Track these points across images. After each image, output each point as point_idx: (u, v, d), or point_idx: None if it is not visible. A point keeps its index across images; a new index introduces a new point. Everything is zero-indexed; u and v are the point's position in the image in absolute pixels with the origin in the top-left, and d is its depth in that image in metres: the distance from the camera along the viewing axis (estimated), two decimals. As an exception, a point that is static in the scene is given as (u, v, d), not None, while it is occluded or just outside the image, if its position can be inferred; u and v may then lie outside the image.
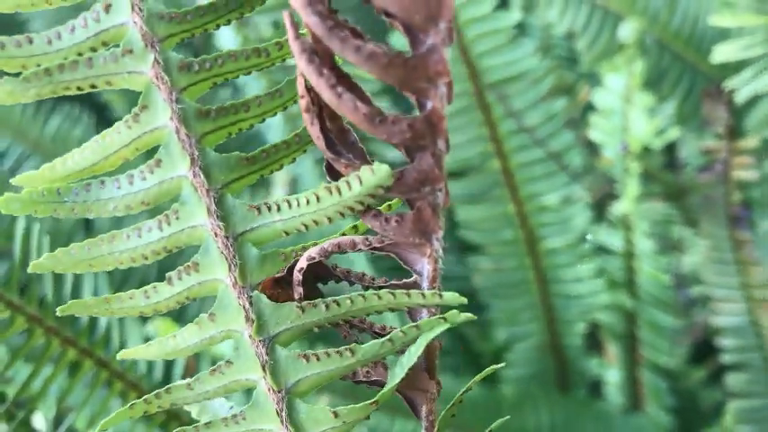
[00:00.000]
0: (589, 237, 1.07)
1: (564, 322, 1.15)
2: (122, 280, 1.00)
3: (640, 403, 1.22)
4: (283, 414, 0.43)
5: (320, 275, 0.46)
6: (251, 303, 0.43)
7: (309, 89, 0.41)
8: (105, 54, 0.41)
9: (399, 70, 0.38)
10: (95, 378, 0.71)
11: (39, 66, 0.41)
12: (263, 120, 0.44)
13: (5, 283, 0.62)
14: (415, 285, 0.44)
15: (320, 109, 0.42)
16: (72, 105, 1.33)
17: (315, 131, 0.41)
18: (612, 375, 1.22)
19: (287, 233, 0.43)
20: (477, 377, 0.44)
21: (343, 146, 0.43)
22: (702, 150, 1.08)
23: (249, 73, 0.43)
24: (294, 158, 0.45)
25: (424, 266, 0.43)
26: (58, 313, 0.44)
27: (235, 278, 0.43)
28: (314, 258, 0.44)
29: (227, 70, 0.43)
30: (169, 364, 0.77)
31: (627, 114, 1.06)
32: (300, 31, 0.40)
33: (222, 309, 0.43)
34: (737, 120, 1.04)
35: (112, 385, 0.72)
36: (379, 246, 0.43)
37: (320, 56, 0.39)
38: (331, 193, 0.41)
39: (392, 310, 0.43)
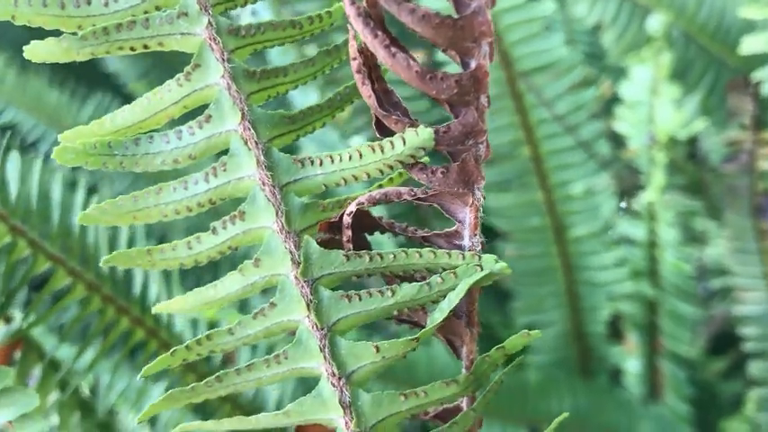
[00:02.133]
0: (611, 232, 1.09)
1: (588, 310, 1.17)
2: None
3: (659, 392, 1.24)
4: (326, 350, 0.45)
5: (367, 225, 0.49)
6: (297, 247, 0.45)
7: (361, 51, 0.44)
8: (161, 15, 0.44)
9: (449, 30, 0.42)
10: (144, 349, 0.73)
11: (94, 26, 0.43)
12: (297, 86, 0.47)
13: (67, 252, 0.65)
14: (457, 234, 0.47)
15: (370, 69, 0.45)
16: (104, 94, 1.36)
17: (366, 91, 0.45)
18: (632, 365, 1.24)
19: (326, 186, 0.46)
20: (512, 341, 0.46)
21: (389, 105, 0.46)
22: (727, 141, 1.10)
23: (283, 44, 0.46)
24: (324, 123, 0.48)
25: (466, 215, 0.46)
26: (101, 264, 0.45)
27: (282, 224, 0.45)
28: (363, 204, 0.47)
29: (266, 38, 0.46)
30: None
31: (653, 106, 1.08)
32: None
33: (268, 253, 0.45)
34: (763, 111, 1.06)
35: (159, 353, 0.74)
36: (423, 197, 0.46)
37: (374, 18, 0.42)
38: (374, 150, 0.44)
39: (429, 269, 0.46)
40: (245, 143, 0.45)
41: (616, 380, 1.26)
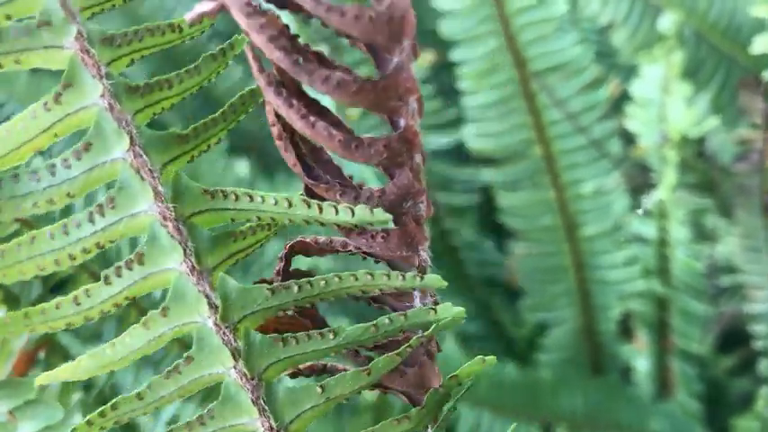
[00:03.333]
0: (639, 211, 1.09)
1: (599, 308, 1.17)
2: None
3: (669, 390, 1.24)
4: (260, 402, 0.39)
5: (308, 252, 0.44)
6: (212, 288, 0.39)
7: (279, 116, 0.40)
8: (16, 27, 0.37)
9: (370, 94, 0.38)
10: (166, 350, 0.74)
11: None
12: (183, 99, 0.41)
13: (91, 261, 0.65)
14: (407, 295, 0.43)
15: (292, 134, 0.41)
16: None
17: (291, 159, 0.41)
18: (642, 363, 1.24)
19: (233, 220, 0.41)
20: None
21: (317, 164, 0.43)
22: (738, 140, 1.10)
23: (163, 51, 0.41)
24: (219, 139, 0.42)
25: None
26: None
27: (192, 263, 0.39)
28: (308, 243, 0.43)
29: (145, 45, 0.40)
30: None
31: (665, 104, 1.08)
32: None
33: (177, 300, 0.39)
34: (774, 110, 1.07)
35: (180, 355, 0.75)
36: (368, 251, 0.43)
37: (286, 85, 0.39)
38: (309, 207, 0.40)
39: (363, 292, 0.41)
40: (138, 172, 0.38)
41: (626, 378, 1.26)
